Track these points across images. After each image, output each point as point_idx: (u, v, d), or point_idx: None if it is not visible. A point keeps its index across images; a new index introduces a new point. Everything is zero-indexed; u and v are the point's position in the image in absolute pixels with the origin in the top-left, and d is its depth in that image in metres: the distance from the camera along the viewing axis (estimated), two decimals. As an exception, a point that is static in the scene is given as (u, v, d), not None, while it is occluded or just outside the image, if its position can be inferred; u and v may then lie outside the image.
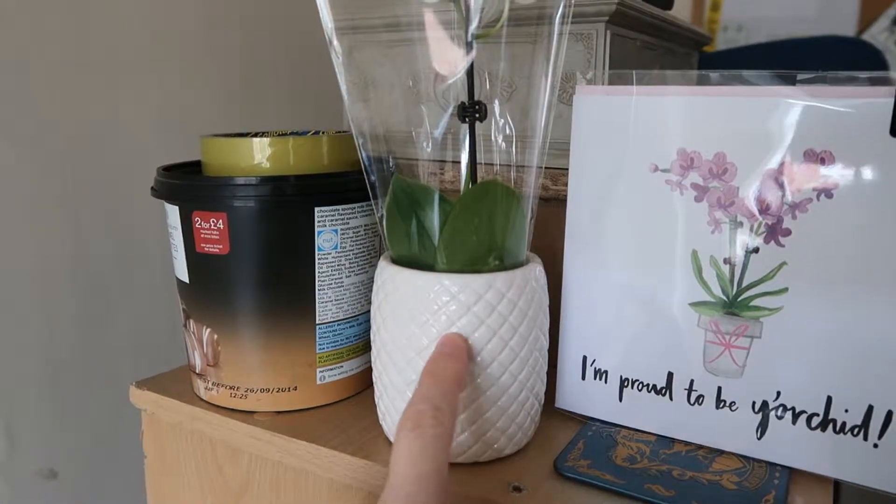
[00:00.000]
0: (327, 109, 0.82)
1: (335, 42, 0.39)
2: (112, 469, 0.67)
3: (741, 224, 0.38)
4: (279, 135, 0.46)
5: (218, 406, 0.44)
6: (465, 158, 0.39)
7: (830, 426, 0.37)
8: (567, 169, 0.43)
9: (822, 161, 0.35)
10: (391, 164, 0.40)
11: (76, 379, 0.64)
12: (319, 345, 0.44)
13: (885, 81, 0.34)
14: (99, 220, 0.64)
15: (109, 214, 0.64)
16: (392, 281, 0.37)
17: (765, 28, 1.27)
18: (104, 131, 0.63)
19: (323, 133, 0.47)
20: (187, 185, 0.43)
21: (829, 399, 0.37)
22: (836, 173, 0.35)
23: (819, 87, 0.35)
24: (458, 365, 0.33)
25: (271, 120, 0.79)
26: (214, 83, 0.73)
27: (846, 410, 0.36)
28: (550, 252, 0.44)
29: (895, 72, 0.34)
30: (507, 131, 0.41)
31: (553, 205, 0.48)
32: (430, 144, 0.41)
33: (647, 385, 0.41)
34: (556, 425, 0.43)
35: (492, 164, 0.41)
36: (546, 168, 0.47)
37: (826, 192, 0.35)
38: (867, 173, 0.34)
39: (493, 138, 0.41)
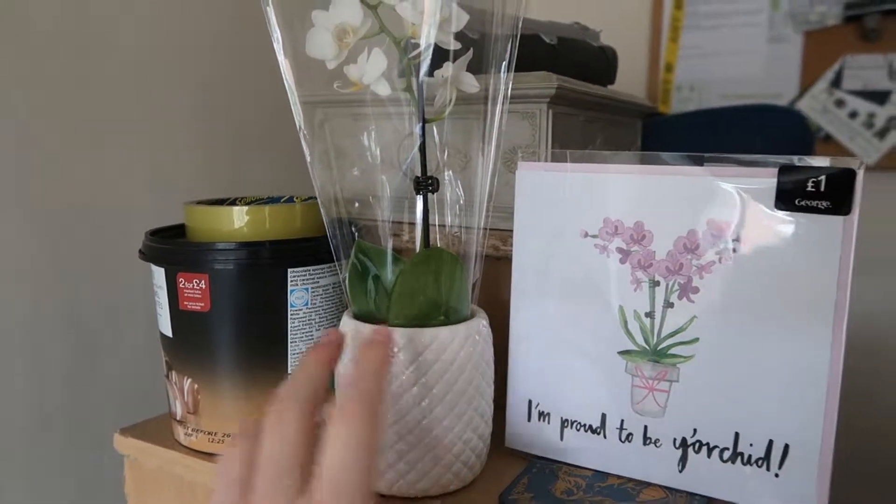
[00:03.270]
0: (304, 173, 0.88)
1: (300, 116, 0.44)
2: (93, 515, 0.70)
3: (658, 283, 0.43)
4: (256, 201, 0.51)
5: (197, 451, 0.48)
6: (419, 225, 0.45)
7: (739, 458, 0.42)
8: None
9: (722, 229, 0.41)
10: (354, 227, 0.46)
11: (62, 430, 0.67)
12: (291, 392, 0.48)
13: (769, 164, 0.40)
14: (87, 278, 0.68)
15: (97, 273, 0.69)
16: (351, 333, 0.42)
17: (715, 88, 1.35)
18: (93, 192, 0.68)
19: (297, 199, 0.53)
20: (173, 249, 0.48)
21: (737, 434, 0.42)
22: (732, 239, 0.41)
23: (719, 168, 0.42)
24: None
25: (252, 182, 0.85)
26: (199, 146, 0.79)
27: (751, 444, 0.41)
28: (502, 305, 0.49)
29: (782, 157, 0.41)
30: (458, 198, 0.47)
31: (504, 263, 0.53)
32: (390, 209, 0.47)
33: (584, 425, 0.46)
34: (505, 462, 0.47)
35: (444, 226, 0.47)
36: (497, 230, 0.53)
37: (726, 255, 0.41)
38: (758, 239, 0.41)
39: (446, 203, 0.46)
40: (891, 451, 1.10)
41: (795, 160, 0.40)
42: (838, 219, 0.39)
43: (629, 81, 1.35)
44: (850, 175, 0.38)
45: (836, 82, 1.19)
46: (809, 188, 0.39)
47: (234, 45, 0.82)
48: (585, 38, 0.73)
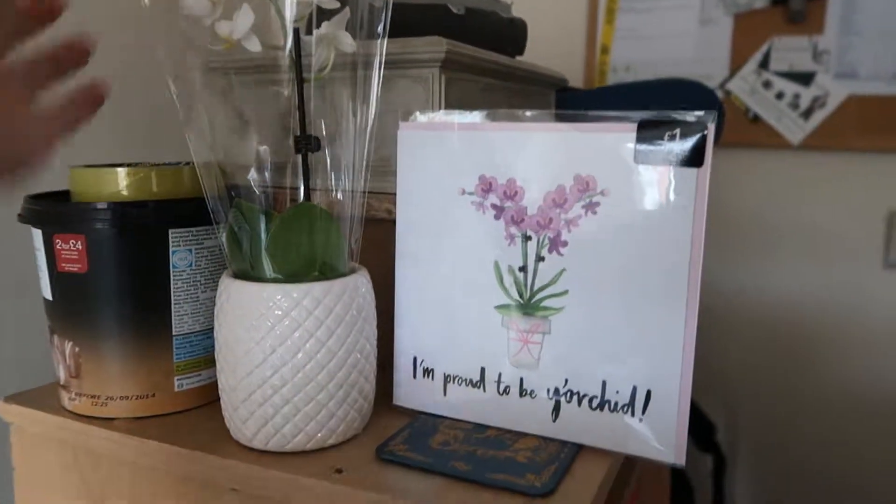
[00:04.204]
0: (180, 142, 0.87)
1: (171, 83, 0.44)
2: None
3: (530, 238, 0.44)
4: (148, 165, 0.51)
5: (81, 415, 0.48)
6: (300, 183, 0.45)
7: (607, 406, 0.43)
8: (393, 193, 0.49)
9: (587, 184, 0.43)
10: (234, 191, 0.46)
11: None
12: (177, 355, 0.48)
13: (629, 119, 0.42)
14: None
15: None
16: (227, 291, 0.42)
17: (649, 69, 1.37)
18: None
19: (186, 164, 0.52)
20: (49, 210, 0.47)
21: (604, 383, 0.43)
22: (597, 192, 0.42)
23: (583, 124, 0.43)
24: None
25: (139, 152, 0.83)
26: (109, 114, 0.77)
27: (617, 392, 0.43)
28: (388, 267, 0.50)
29: (643, 112, 0.42)
30: (336, 161, 0.47)
31: (390, 225, 0.54)
32: (270, 174, 0.47)
33: (465, 380, 0.47)
34: (391, 420, 0.48)
35: (327, 190, 0.47)
36: (390, 193, 0.53)
37: (592, 209, 0.43)
38: (620, 192, 0.42)
39: (326, 167, 0.47)
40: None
41: (654, 116, 0.41)
42: (693, 171, 0.40)
43: (566, 62, 1.37)
44: (702, 127, 0.40)
45: (764, 63, 1.22)
46: (665, 142, 0.40)
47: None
48: (496, 9, 0.74)
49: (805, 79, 1.19)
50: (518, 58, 0.73)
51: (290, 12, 0.43)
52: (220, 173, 0.46)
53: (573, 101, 0.85)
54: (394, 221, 0.54)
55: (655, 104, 0.84)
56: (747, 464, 1.16)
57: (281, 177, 0.49)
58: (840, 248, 1.14)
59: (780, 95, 1.21)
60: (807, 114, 1.20)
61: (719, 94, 1.26)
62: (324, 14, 0.45)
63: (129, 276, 0.46)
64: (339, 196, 0.46)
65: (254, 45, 0.43)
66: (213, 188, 0.45)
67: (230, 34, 0.43)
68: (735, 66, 1.25)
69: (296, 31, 0.44)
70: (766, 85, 1.22)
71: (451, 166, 0.47)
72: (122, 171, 0.49)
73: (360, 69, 0.46)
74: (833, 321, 1.15)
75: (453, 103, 0.57)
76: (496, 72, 0.63)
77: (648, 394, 0.42)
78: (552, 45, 0.74)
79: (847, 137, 1.19)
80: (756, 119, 1.22)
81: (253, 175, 0.47)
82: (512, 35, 0.73)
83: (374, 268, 0.48)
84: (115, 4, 0.77)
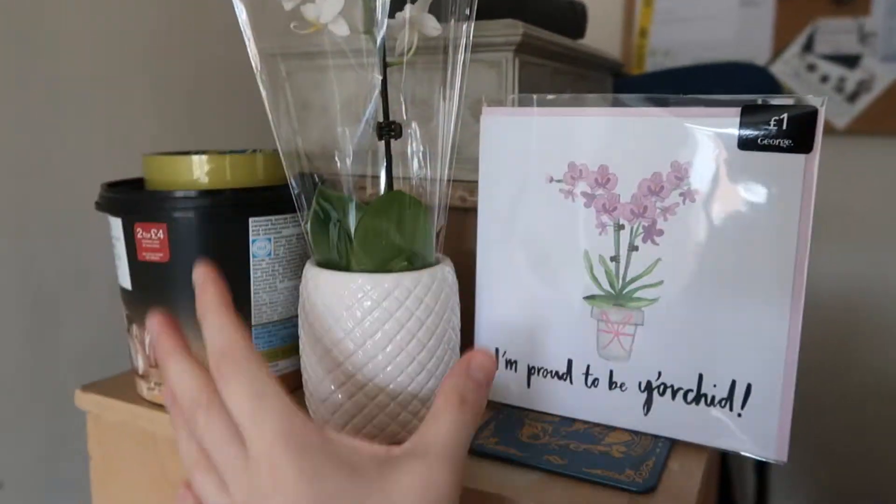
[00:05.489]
0: (264, 129, 0.86)
1: (260, 68, 0.43)
2: (59, 476, 0.69)
3: (623, 226, 0.43)
4: (218, 153, 0.50)
5: (160, 405, 0.48)
6: (382, 173, 0.44)
7: (703, 400, 0.42)
8: (479, 181, 0.48)
9: (686, 170, 0.41)
10: (316, 180, 0.45)
11: (23, 391, 0.66)
12: (255, 345, 0.48)
13: (733, 104, 0.40)
14: (45, 234, 0.66)
15: (55, 229, 0.67)
16: (314, 281, 0.42)
17: (689, 52, 1.35)
18: (49, 147, 0.66)
19: (259, 151, 0.51)
20: (129, 198, 0.46)
21: (701, 376, 0.42)
22: (696, 180, 0.41)
23: (681, 109, 0.41)
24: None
25: (212, 137, 0.83)
26: (157, 102, 0.77)
27: (714, 385, 0.42)
28: (470, 256, 0.49)
29: (748, 95, 0.41)
30: (422, 148, 0.46)
31: (471, 214, 0.53)
32: (353, 161, 0.46)
33: (551, 372, 0.46)
34: (472, 412, 0.47)
35: (409, 178, 0.46)
36: (465, 181, 0.52)
37: (689, 197, 0.41)
38: (721, 180, 0.40)
39: (408, 155, 0.45)
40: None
41: (758, 100, 0.40)
42: (800, 157, 0.39)
43: (604, 46, 1.34)
44: (811, 113, 0.38)
45: (808, 46, 1.19)
46: (771, 127, 0.39)
47: None
48: (556, -9, 0.72)
49: (851, 62, 1.16)
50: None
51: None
52: (304, 160, 0.45)
53: (631, 85, 0.83)
54: (468, 209, 0.53)
55: (714, 88, 0.82)
56: (790, 453, 1.14)
57: (362, 164, 0.48)
58: (887, 234, 1.12)
59: (824, 79, 1.19)
60: (852, 97, 1.17)
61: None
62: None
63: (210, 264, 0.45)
64: (425, 184, 0.45)
65: (341, 29, 0.42)
66: (296, 175, 0.44)
67: (317, 18, 0.41)
68: (778, 49, 1.22)
69: (381, 12, 0.43)
70: (811, 68, 1.19)
71: (538, 153, 0.45)
72: (198, 158, 0.48)
73: (444, 52, 0.45)
74: (879, 307, 1.13)
75: (525, 88, 0.56)
76: (563, 56, 0.62)
77: (749, 388, 0.41)
78: (589, 29, 0.72)
79: (894, 122, 1.16)
80: (800, 103, 1.19)
81: (336, 161, 0.46)
82: (573, 17, 0.71)
83: (451, 257, 0.47)
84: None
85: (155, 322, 0.34)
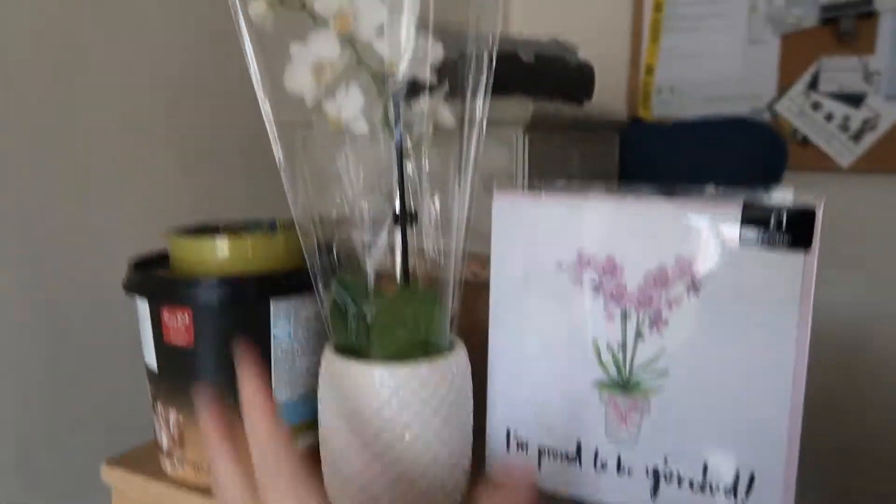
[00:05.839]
0: (283, 192, 0.88)
1: (278, 147, 0.44)
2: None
3: (629, 315, 0.45)
4: (239, 227, 0.52)
5: (183, 482, 0.49)
6: (398, 258, 0.46)
7: (708, 488, 0.44)
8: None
9: (689, 264, 0.43)
10: (334, 253, 0.46)
11: (47, 456, 0.67)
12: (274, 422, 0.49)
13: (734, 198, 0.42)
14: (74, 306, 0.68)
15: (83, 301, 0.69)
16: (331, 368, 0.43)
17: (695, 90, 1.36)
18: (75, 222, 0.68)
19: (278, 221, 0.53)
20: (157, 281, 0.48)
21: (706, 465, 0.44)
22: (700, 273, 0.43)
23: (686, 202, 0.43)
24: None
25: (233, 201, 0.85)
26: (181, 167, 0.79)
27: (719, 474, 0.43)
28: (481, 330, 0.50)
29: (747, 191, 0.42)
30: (437, 224, 0.47)
31: (482, 287, 0.54)
32: (370, 234, 0.48)
33: (561, 454, 0.48)
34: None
35: (423, 251, 0.47)
36: (474, 255, 0.54)
37: (694, 289, 0.43)
38: (723, 274, 0.42)
39: (425, 230, 0.47)
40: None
41: (760, 194, 0.41)
42: (800, 254, 0.40)
43: (610, 85, 1.36)
44: (810, 213, 0.40)
45: (813, 84, 1.21)
46: (771, 225, 0.41)
47: (209, 66, 0.81)
48: (563, 54, 0.74)
49: (855, 100, 1.17)
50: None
51: (394, 90, 0.43)
52: (321, 231, 0.46)
53: (640, 137, 0.85)
54: (478, 284, 0.55)
55: (722, 145, 0.84)
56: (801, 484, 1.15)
57: (379, 233, 0.49)
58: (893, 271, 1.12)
59: (829, 117, 1.20)
60: (857, 136, 1.18)
61: (766, 115, 1.25)
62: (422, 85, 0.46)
63: (233, 347, 0.47)
64: (439, 262, 0.46)
65: (361, 128, 0.43)
66: (313, 255, 0.46)
67: (338, 114, 0.43)
68: (783, 87, 1.23)
69: (396, 107, 0.45)
70: (815, 106, 1.20)
71: (547, 238, 0.47)
72: (222, 242, 0.50)
73: (459, 129, 0.46)
74: (884, 345, 1.13)
75: (534, 159, 0.58)
76: (571, 125, 0.64)
77: (752, 478, 0.42)
78: (595, 65, 0.74)
79: (899, 161, 1.17)
80: (805, 141, 1.21)
81: (354, 241, 0.47)
82: (580, 80, 0.73)
83: (461, 331, 0.48)
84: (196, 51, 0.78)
85: (206, 421, 0.35)
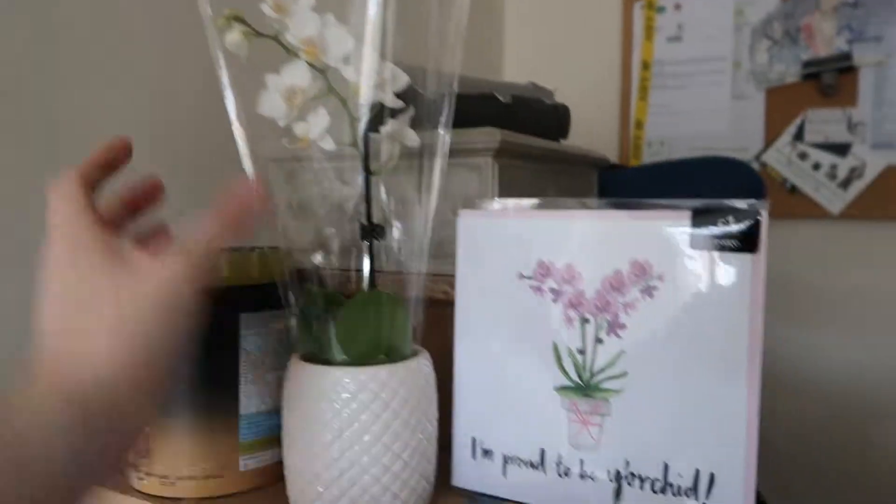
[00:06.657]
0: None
1: (251, 171, 0.47)
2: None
3: (588, 320, 0.46)
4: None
5: (149, 494, 0.49)
6: (366, 269, 0.48)
7: (669, 490, 0.43)
8: (456, 277, 0.51)
9: (644, 269, 0.44)
10: (304, 274, 0.48)
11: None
12: (242, 435, 0.50)
13: (682, 206, 0.43)
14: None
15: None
16: (296, 373, 0.44)
17: (684, 142, 1.40)
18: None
19: (256, 249, 0.55)
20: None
21: (666, 466, 0.43)
22: (654, 277, 0.44)
23: (637, 211, 0.45)
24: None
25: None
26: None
27: (680, 475, 0.43)
28: (444, 347, 0.51)
29: (697, 201, 0.44)
30: (402, 244, 0.49)
31: (446, 306, 0.55)
32: (339, 258, 0.50)
33: (525, 461, 0.48)
34: (449, 500, 0.48)
35: (390, 272, 0.49)
36: (448, 275, 0.56)
37: (649, 293, 0.44)
38: (676, 277, 0.43)
39: (391, 250, 0.49)
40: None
41: (709, 203, 0.43)
42: (748, 256, 0.41)
43: (603, 138, 1.40)
44: (755, 214, 0.41)
45: (799, 136, 1.24)
46: (720, 228, 0.42)
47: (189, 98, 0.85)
48: (540, 96, 0.78)
49: (841, 150, 1.20)
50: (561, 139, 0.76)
51: (360, 112, 0.46)
52: (290, 258, 0.48)
53: (617, 179, 0.88)
54: (449, 303, 0.56)
55: (698, 183, 0.87)
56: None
57: (348, 259, 0.52)
58: (888, 317, 1.12)
59: (816, 166, 1.22)
60: (845, 184, 1.20)
61: (755, 165, 1.28)
62: (389, 111, 0.49)
63: (203, 359, 0.48)
64: (403, 279, 0.48)
65: (328, 145, 0.46)
66: (283, 273, 0.48)
67: (306, 135, 0.46)
68: (770, 139, 1.27)
69: (365, 132, 0.47)
70: (802, 156, 1.23)
71: (509, 251, 0.49)
72: (197, 257, 0.52)
73: (423, 158, 0.49)
74: (884, 390, 1.12)
75: (505, 187, 0.60)
76: (543, 156, 0.66)
77: (712, 477, 0.42)
78: (588, 121, 0.77)
79: (889, 207, 1.19)
80: (793, 190, 1.23)
81: (320, 259, 0.49)
82: (556, 120, 0.76)
83: (430, 348, 0.49)
84: (168, 79, 0.83)
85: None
